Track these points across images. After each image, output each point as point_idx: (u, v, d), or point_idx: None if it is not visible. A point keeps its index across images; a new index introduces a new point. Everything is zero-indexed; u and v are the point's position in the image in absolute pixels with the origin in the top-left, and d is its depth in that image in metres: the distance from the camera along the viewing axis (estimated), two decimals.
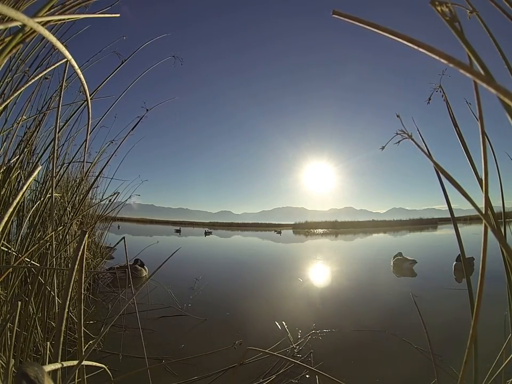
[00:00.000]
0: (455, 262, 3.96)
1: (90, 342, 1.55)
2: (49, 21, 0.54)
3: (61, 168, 1.71)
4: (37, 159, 1.53)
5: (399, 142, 0.54)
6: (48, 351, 0.66)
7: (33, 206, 1.46)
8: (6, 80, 1.09)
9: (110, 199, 2.96)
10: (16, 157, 1.35)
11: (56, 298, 1.25)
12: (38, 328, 1.29)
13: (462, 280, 3.46)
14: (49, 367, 0.44)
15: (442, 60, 0.22)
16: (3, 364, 0.86)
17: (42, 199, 1.46)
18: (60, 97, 1.00)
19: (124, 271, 2.91)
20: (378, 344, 1.78)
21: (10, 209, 0.50)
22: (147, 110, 1.61)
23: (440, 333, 1.80)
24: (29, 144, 1.46)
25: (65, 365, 0.47)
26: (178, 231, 17.13)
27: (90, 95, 0.79)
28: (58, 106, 0.94)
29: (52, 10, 0.50)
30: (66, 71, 0.87)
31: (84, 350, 0.53)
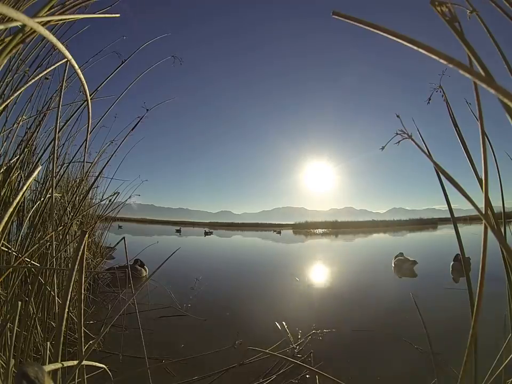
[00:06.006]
0: (452, 262, 3.96)
1: (90, 342, 1.56)
2: (49, 21, 0.54)
3: (61, 168, 1.71)
4: (37, 159, 1.53)
5: (399, 142, 0.54)
6: (48, 351, 0.66)
7: (33, 206, 1.46)
8: (6, 80, 1.09)
9: (110, 199, 2.96)
10: (16, 157, 1.35)
11: (56, 298, 1.25)
12: (38, 328, 1.29)
13: (459, 280, 3.47)
14: (49, 367, 0.44)
15: (442, 61, 0.22)
16: (3, 364, 0.86)
17: (42, 199, 1.46)
18: (60, 97, 1.00)
19: (124, 271, 2.91)
20: (378, 344, 1.78)
21: (10, 209, 0.50)
22: (147, 110, 1.61)
23: (441, 333, 1.80)
24: (29, 144, 1.46)
25: (65, 365, 0.47)
26: (178, 231, 17.12)
27: (90, 95, 0.79)
28: (59, 106, 0.94)
29: (52, 10, 0.50)
30: (66, 71, 0.88)
31: (83, 350, 0.53)
